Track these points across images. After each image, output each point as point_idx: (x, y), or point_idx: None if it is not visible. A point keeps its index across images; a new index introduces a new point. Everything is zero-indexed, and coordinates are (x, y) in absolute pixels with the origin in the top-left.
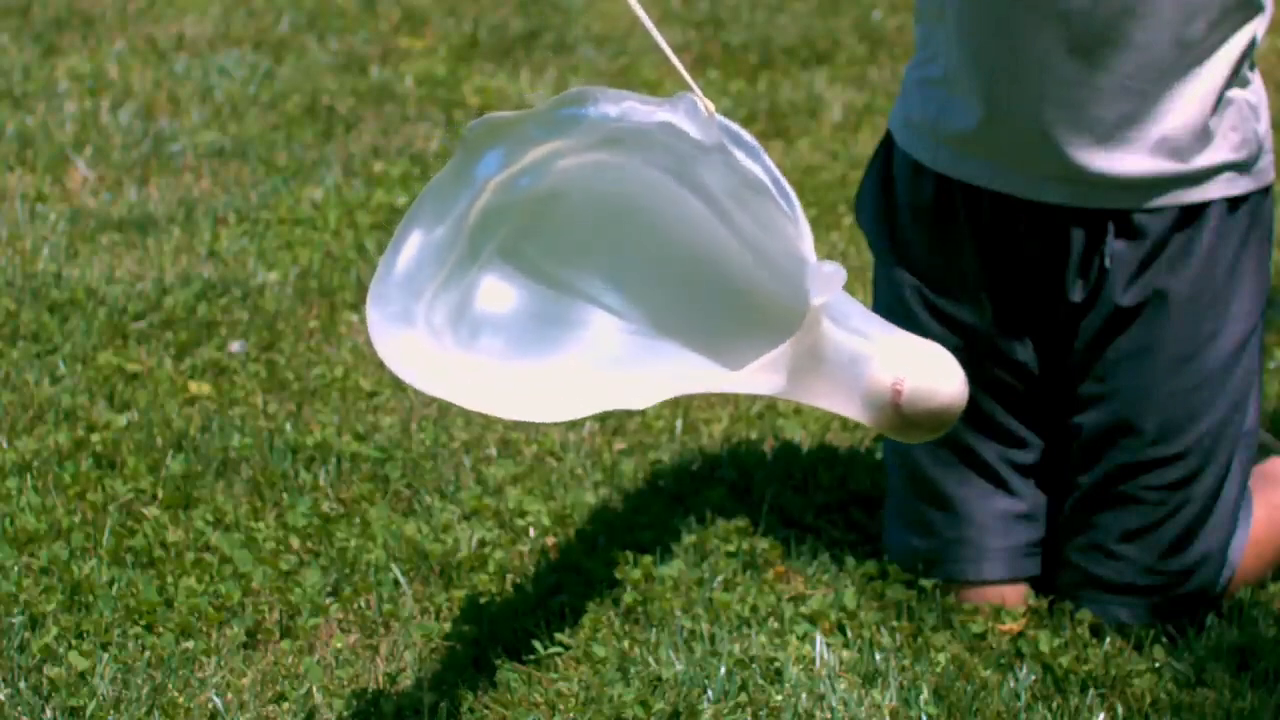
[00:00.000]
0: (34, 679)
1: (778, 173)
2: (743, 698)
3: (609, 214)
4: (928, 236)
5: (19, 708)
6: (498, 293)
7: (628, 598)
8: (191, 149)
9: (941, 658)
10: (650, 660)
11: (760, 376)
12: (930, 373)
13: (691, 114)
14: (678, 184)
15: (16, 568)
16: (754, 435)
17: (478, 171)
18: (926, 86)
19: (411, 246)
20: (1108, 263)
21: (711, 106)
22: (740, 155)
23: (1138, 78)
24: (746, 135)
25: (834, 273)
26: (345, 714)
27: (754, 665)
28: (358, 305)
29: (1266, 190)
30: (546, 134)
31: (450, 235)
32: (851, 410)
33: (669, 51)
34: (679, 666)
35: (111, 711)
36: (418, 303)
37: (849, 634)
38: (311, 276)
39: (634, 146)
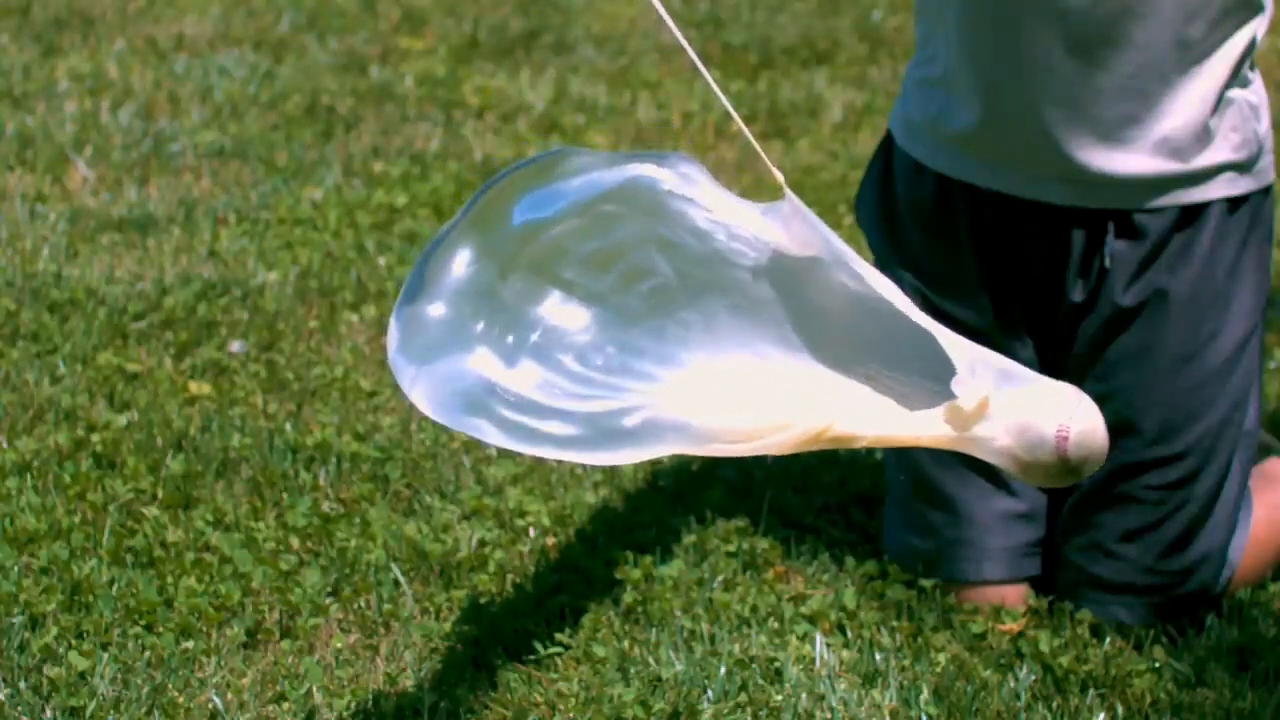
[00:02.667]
0: (34, 679)
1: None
2: (743, 698)
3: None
4: (928, 236)
5: (19, 708)
6: (585, 324)
7: (628, 598)
8: (191, 149)
9: (941, 658)
10: (650, 660)
11: (937, 427)
12: (1087, 414)
13: (783, 221)
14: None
15: (16, 568)
16: None
17: (525, 211)
18: (927, 86)
19: (453, 275)
20: (1108, 263)
21: (784, 181)
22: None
23: (1138, 78)
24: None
25: (984, 367)
26: (345, 714)
27: (754, 665)
28: (358, 305)
29: (1267, 190)
30: (611, 190)
31: (498, 273)
32: (1003, 460)
33: (698, 60)
34: (679, 666)
35: (111, 711)
36: (477, 340)
37: (849, 634)
38: (311, 276)
39: (712, 263)
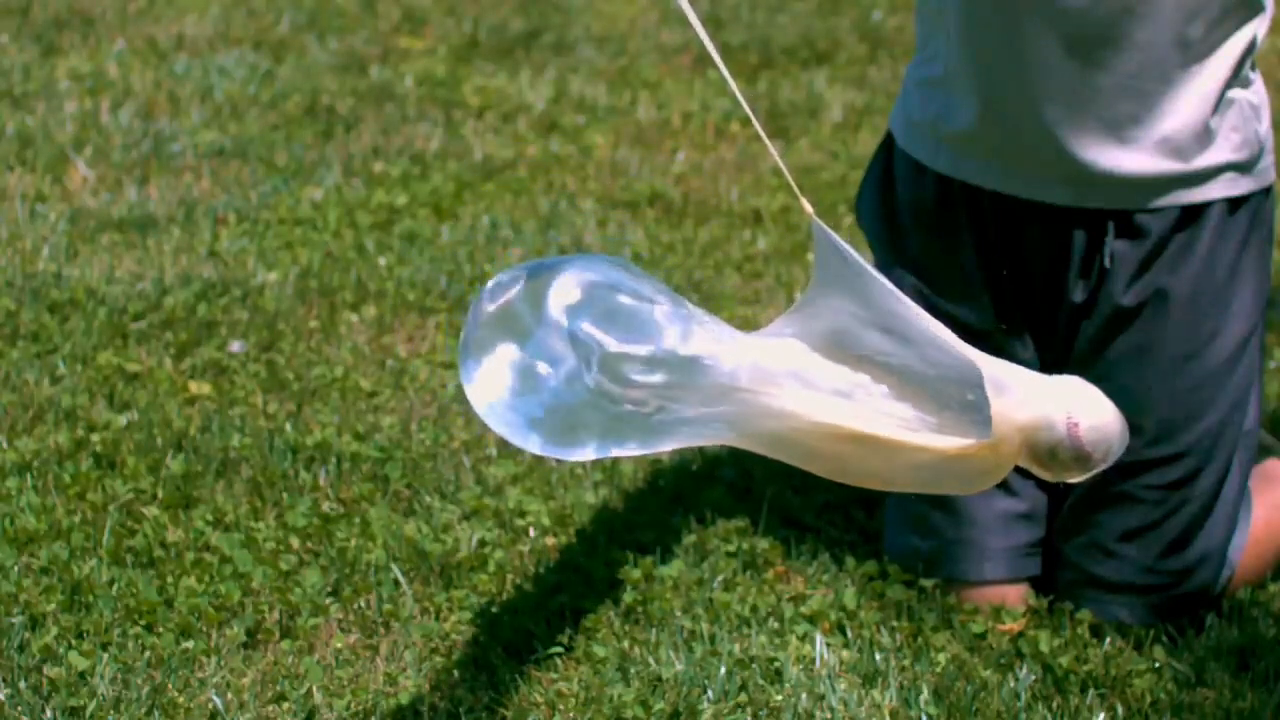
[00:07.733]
0: (34, 679)
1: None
2: (743, 698)
3: None
4: (928, 236)
5: (19, 708)
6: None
7: (628, 598)
8: (191, 149)
9: (941, 658)
10: (650, 660)
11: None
12: (1093, 404)
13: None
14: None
15: (16, 568)
16: None
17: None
18: (927, 87)
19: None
20: (1108, 263)
21: (812, 212)
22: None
23: (1139, 77)
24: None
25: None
26: (345, 714)
27: (754, 665)
28: (358, 305)
29: (1267, 190)
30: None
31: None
32: (1024, 460)
33: (718, 59)
34: (679, 666)
35: (111, 711)
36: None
37: (849, 634)
38: (311, 276)
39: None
